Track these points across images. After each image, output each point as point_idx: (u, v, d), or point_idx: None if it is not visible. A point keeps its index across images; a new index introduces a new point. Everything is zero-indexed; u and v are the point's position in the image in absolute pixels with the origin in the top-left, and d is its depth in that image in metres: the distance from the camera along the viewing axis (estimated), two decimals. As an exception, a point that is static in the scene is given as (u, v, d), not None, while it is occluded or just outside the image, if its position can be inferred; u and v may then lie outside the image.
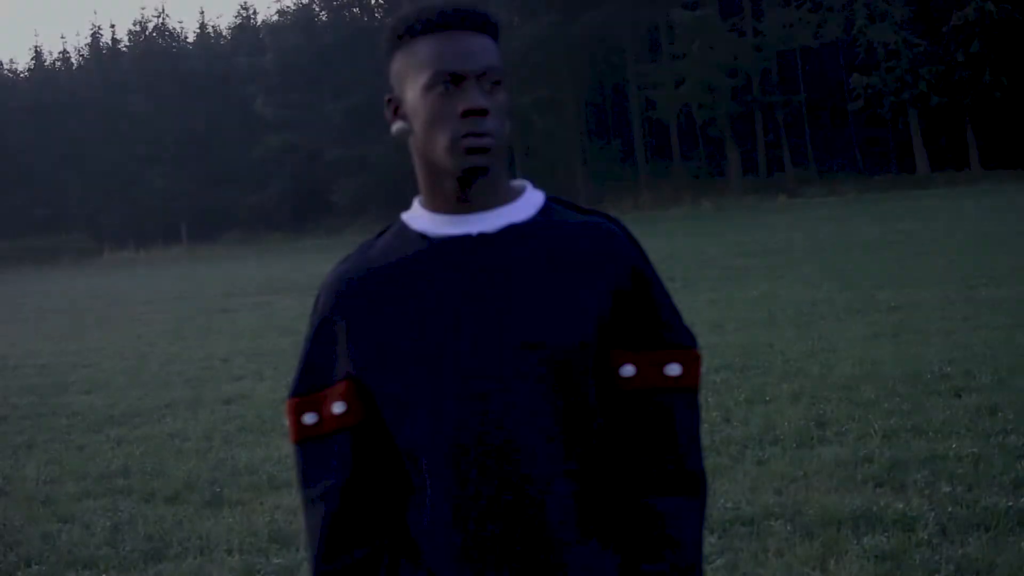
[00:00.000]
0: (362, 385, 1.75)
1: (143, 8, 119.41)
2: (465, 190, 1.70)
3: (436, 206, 1.74)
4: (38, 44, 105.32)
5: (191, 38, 73.29)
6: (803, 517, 5.32)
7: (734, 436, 7.06)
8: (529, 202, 1.75)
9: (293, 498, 6.65)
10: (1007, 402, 7.33)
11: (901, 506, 5.32)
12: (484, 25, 1.69)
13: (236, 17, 75.36)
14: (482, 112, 1.64)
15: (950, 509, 5.24)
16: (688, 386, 1.75)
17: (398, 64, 1.74)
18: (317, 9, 65.73)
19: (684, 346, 1.76)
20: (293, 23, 63.71)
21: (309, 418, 1.78)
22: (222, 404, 10.22)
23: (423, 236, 1.74)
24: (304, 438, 1.80)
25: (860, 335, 10.73)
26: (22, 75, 72.31)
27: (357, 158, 59.00)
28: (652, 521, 1.72)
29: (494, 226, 1.71)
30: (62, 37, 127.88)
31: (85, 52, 72.51)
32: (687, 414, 1.75)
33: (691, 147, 57.94)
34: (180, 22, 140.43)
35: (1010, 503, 5.19)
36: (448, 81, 1.65)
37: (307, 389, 1.79)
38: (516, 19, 55.45)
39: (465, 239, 1.71)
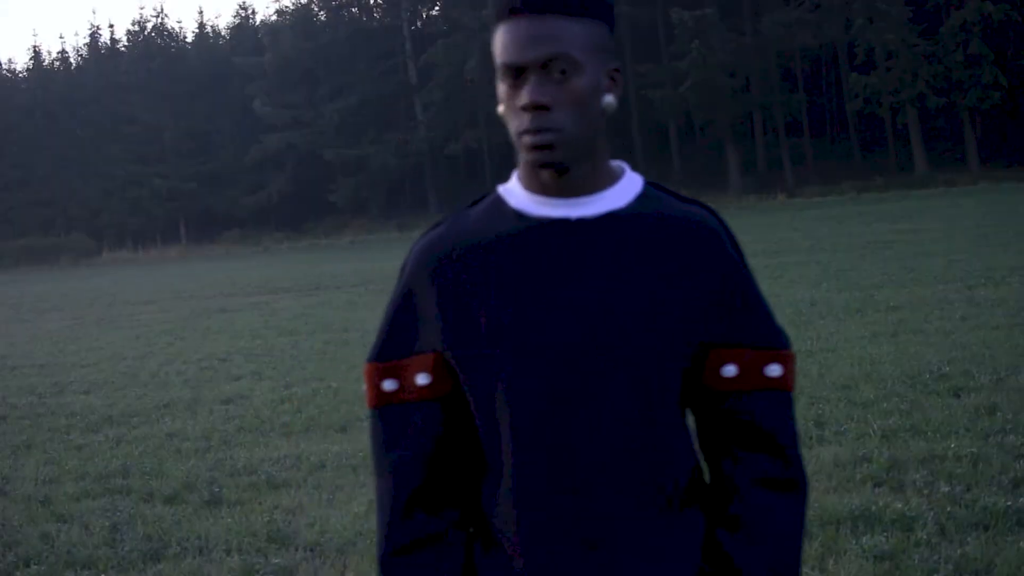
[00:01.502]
0: (447, 359, 1.71)
1: (142, 8, 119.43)
2: (554, 178, 1.66)
3: (534, 186, 1.69)
4: (37, 44, 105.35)
5: (190, 38, 73.30)
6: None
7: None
8: (628, 188, 1.70)
9: (292, 498, 6.66)
10: (1006, 402, 7.34)
11: (900, 506, 5.32)
12: (563, 5, 1.58)
13: (235, 17, 75.20)
14: (542, 107, 1.58)
15: (949, 509, 5.24)
16: (787, 387, 1.74)
17: (493, 50, 1.66)
18: (316, 9, 65.75)
19: (783, 347, 1.74)
20: (292, 23, 63.71)
21: (389, 384, 1.74)
22: (221, 404, 10.23)
23: (520, 215, 1.69)
24: (383, 404, 1.76)
25: (859, 335, 10.74)
26: (21, 75, 72.29)
27: (356, 158, 59.04)
28: (755, 515, 1.70)
29: (593, 212, 1.67)
30: (61, 37, 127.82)
31: (84, 52, 72.48)
32: (787, 414, 1.74)
33: (690, 147, 57.96)
34: (179, 22, 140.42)
35: (1009, 503, 5.19)
36: (513, 72, 1.60)
37: (388, 355, 1.75)
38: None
39: (563, 223, 1.67)
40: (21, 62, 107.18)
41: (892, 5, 47.88)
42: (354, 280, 25.76)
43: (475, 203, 1.78)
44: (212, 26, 76.23)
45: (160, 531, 6.10)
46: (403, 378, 1.73)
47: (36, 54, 71.14)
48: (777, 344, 1.73)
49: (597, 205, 1.67)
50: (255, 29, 70.42)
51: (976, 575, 4.55)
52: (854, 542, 4.92)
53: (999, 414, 7.02)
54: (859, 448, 6.49)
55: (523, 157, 1.64)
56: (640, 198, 1.70)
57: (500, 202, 1.73)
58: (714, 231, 1.70)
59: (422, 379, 1.72)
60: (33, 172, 65.67)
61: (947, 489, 5.53)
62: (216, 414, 9.74)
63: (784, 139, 53.74)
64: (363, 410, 9.27)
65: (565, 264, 1.65)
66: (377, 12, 66.74)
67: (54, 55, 73.84)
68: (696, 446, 1.77)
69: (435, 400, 1.72)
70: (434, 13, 64.88)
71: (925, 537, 4.91)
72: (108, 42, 71.69)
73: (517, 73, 1.59)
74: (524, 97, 1.58)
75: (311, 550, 5.61)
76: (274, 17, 67.65)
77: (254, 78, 63.05)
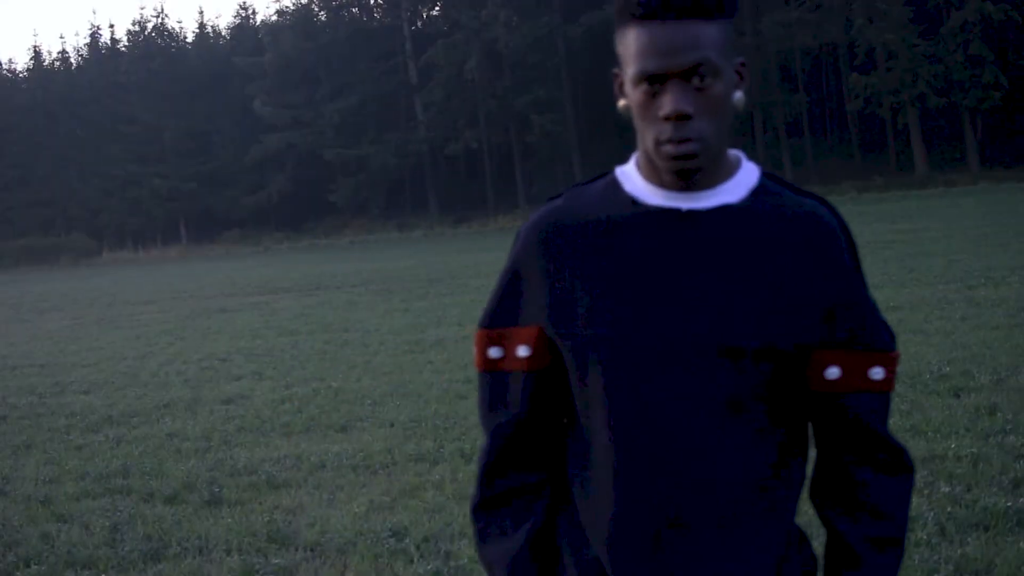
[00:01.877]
0: (549, 335, 1.74)
1: (142, 8, 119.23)
2: (682, 180, 1.65)
3: (652, 177, 1.68)
4: (37, 44, 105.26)
5: (190, 38, 73.35)
6: (801, 517, 5.31)
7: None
8: (744, 180, 1.69)
9: (292, 498, 6.67)
10: (1006, 402, 7.34)
11: (900, 506, 5.31)
12: (701, 8, 1.54)
13: (235, 17, 75.38)
14: (684, 117, 1.55)
15: (949, 509, 5.24)
16: (888, 390, 1.73)
17: (618, 45, 1.62)
18: (316, 9, 65.74)
19: (886, 349, 1.72)
20: (292, 23, 63.72)
21: (494, 352, 1.80)
22: (221, 404, 10.23)
23: (634, 201, 1.69)
24: (488, 369, 1.82)
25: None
26: (21, 75, 72.31)
27: (356, 158, 59.06)
28: (870, 495, 1.74)
29: (707, 205, 1.66)
30: (61, 37, 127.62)
31: (84, 52, 72.52)
32: (883, 416, 1.74)
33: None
34: (179, 22, 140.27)
35: (1009, 503, 5.20)
36: (650, 80, 1.56)
37: (495, 323, 1.80)
38: (515, 19, 55.47)
39: (675, 213, 1.66)
40: (21, 62, 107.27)
41: (892, 5, 47.88)
42: (354, 280, 25.77)
43: (594, 180, 1.78)
44: (212, 26, 76.35)
45: (160, 531, 6.10)
46: (507, 348, 1.79)
47: (36, 54, 71.19)
48: (882, 345, 1.72)
49: (712, 198, 1.66)
50: (255, 29, 70.46)
51: (976, 575, 4.55)
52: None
53: (999, 414, 7.02)
54: (859, 448, 6.48)
55: (661, 164, 1.61)
56: (755, 192, 1.69)
57: (616, 185, 1.72)
58: (830, 229, 1.68)
59: (522, 351, 1.77)
60: (33, 172, 65.72)
61: (947, 489, 5.53)
62: (216, 414, 9.75)
63: (784, 139, 53.75)
64: (363, 411, 9.28)
65: (672, 255, 1.65)
66: (377, 12, 66.76)
67: (54, 55, 73.94)
68: (809, 441, 1.80)
69: (532, 372, 1.77)
70: (434, 13, 64.90)
71: (925, 537, 4.91)
72: (108, 42, 71.75)
73: (659, 80, 1.56)
74: (667, 106, 1.55)
75: (311, 550, 5.61)
76: (274, 17, 67.72)
77: (254, 78, 63.08)
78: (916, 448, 6.40)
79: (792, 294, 1.65)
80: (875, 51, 49.32)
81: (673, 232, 1.65)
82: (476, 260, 28.59)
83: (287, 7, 66.54)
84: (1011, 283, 13.56)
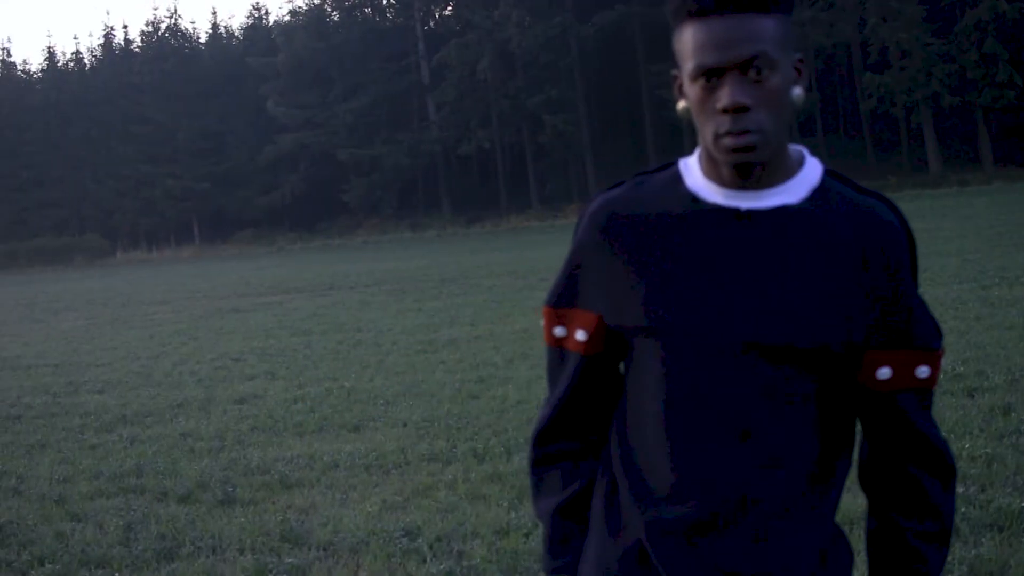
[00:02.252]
0: (607, 323, 1.82)
1: (155, 9, 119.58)
2: (742, 177, 1.67)
3: (712, 174, 1.70)
4: (51, 45, 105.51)
5: (203, 38, 73.56)
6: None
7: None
8: (806, 180, 1.70)
9: (305, 498, 6.68)
10: (1020, 402, 7.31)
11: (914, 506, 5.29)
12: (758, 1, 1.58)
13: (248, 18, 75.37)
14: (742, 109, 1.57)
15: (963, 509, 5.22)
16: (931, 388, 1.78)
17: (675, 44, 1.65)
18: (329, 9, 65.81)
19: (934, 348, 1.75)
20: (305, 23, 63.80)
21: (559, 331, 1.89)
22: (234, 404, 10.25)
23: (694, 198, 1.71)
24: (552, 344, 1.92)
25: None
26: (35, 76, 72.59)
27: (369, 158, 59.12)
28: (918, 492, 1.80)
29: (765, 205, 1.68)
30: (75, 38, 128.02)
31: (98, 53, 72.75)
32: (927, 412, 1.79)
33: (703, 146, 57.79)
34: (192, 22, 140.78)
35: (1023, 504, 5.18)
36: (707, 75, 1.59)
37: (559, 303, 1.88)
38: (528, 19, 55.45)
39: (734, 212, 1.68)
40: (36, 63, 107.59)
41: (906, 4, 47.73)
42: (367, 280, 25.80)
43: (659, 169, 1.81)
44: (225, 27, 76.44)
45: (174, 530, 6.11)
46: (568, 328, 1.88)
47: (50, 55, 71.46)
48: (930, 344, 1.74)
49: (772, 198, 1.68)
50: (268, 30, 70.56)
51: (990, 576, 4.54)
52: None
53: (1013, 414, 6.99)
54: (873, 448, 6.46)
55: (720, 158, 1.63)
56: (816, 191, 1.70)
57: (678, 179, 1.75)
58: (892, 229, 1.70)
59: (580, 335, 1.85)
60: (47, 172, 65.94)
61: (961, 490, 5.51)
62: (229, 414, 9.77)
63: (798, 138, 53.62)
64: (376, 410, 9.30)
65: (729, 254, 1.68)
66: (390, 12, 66.82)
67: (68, 56, 74.16)
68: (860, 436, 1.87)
69: (587, 356, 1.87)
70: (447, 13, 64.92)
71: (939, 538, 4.89)
72: (122, 43, 71.96)
73: (716, 74, 1.59)
74: (724, 99, 1.57)
75: (324, 549, 5.61)
76: (287, 18, 67.83)
77: (267, 79, 63.19)
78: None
79: (847, 295, 1.67)
80: (888, 50, 49.17)
81: (731, 231, 1.68)
82: (488, 260, 28.59)
83: (300, 7, 66.70)
84: (1025, 283, 13.51)
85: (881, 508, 1.84)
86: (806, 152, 1.74)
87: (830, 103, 58.40)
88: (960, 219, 26.34)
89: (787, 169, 1.69)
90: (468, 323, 15.02)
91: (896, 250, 1.68)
